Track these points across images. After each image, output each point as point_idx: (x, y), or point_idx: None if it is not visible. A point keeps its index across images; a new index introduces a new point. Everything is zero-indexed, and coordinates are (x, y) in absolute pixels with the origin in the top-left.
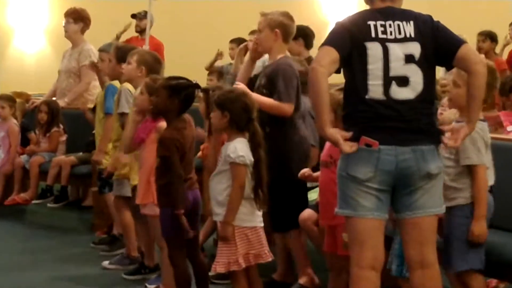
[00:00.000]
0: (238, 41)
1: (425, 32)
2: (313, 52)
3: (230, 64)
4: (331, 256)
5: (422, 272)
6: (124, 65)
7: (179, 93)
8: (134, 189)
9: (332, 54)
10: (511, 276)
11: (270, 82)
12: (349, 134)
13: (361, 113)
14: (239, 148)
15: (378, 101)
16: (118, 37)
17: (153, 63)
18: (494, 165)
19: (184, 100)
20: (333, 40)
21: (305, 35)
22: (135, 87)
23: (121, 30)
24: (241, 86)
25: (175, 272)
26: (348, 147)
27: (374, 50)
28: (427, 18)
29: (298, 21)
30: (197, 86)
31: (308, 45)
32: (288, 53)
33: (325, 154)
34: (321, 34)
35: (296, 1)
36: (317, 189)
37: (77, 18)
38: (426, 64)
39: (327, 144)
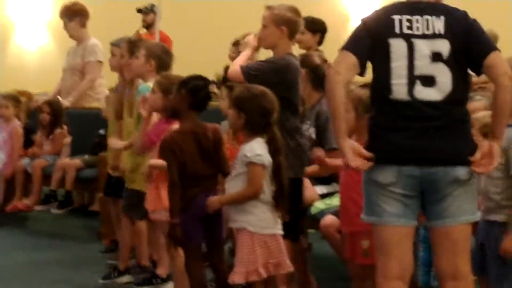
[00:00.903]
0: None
1: (457, 29)
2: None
3: None
4: (353, 264)
5: (455, 284)
6: (131, 60)
7: (196, 94)
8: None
9: (350, 60)
10: None
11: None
12: (368, 154)
13: (386, 114)
14: (255, 147)
15: (402, 102)
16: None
17: (162, 55)
18: None
19: (200, 101)
20: (351, 43)
21: (324, 30)
22: (146, 81)
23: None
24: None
25: (190, 283)
26: (361, 162)
27: (397, 46)
28: (461, 14)
29: (317, 15)
30: (211, 82)
31: (322, 41)
32: (291, 51)
33: None
34: (342, 29)
35: None
36: (338, 194)
37: (71, 15)
38: (456, 64)
39: None
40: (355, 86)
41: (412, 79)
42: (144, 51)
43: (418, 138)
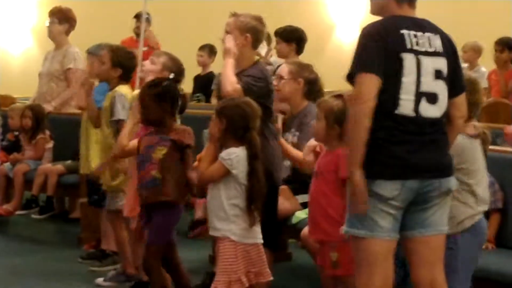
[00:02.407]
0: (207, 48)
1: (449, 49)
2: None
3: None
4: (323, 273)
5: None
6: (146, 63)
7: (165, 95)
8: None
9: (376, 83)
10: None
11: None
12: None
13: (388, 129)
14: (233, 152)
15: (407, 117)
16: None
17: (178, 69)
18: (504, 181)
19: (171, 98)
20: (373, 64)
21: (299, 39)
22: None
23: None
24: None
25: None
26: (363, 209)
27: (409, 61)
28: (449, 37)
29: (304, 23)
30: (177, 80)
31: (300, 50)
32: (257, 58)
33: (317, 164)
34: (327, 38)
35: (300, 3)
36: None
37: (62, 19)
38: (448, 81)
39: (322, 153)
40: (329, 96)
41: (418, 95)
42: (163, 60)
43: (418, 151)
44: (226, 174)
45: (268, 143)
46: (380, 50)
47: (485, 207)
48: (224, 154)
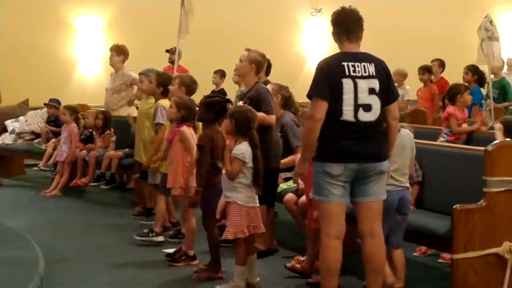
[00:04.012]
0: (220, 72)
1: (382, 73)
2: (283, 80)
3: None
4: (309, 228)
5: (372, 240)
6: (169, 86)
7: (214, 106)
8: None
9: (324, 106)
10: (433, 243)
11: (254, 103)
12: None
13: (337, 129)
14: (242, 148)
15: (349, 122)
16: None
17: (190, 84)
18: (424, 162)
19: (217, 111)
20: (320, 90)
21: (267, 65)
22: None
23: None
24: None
25: (208, 236)
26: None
27: (347, 84)
28: (383, 63)
29: (282, 56)
30: (228, 101)
31: (268, 72)
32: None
33: None
34: (301, 67)
35: (281, 39)
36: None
37: (119, 52)
38: (382, 96)
39: None
40: (308, 108)
41: (357, 106)
42: (178, 80)
43: (358, 144)
44: (243, 164)
45: (271, 138)
46: (326, 78)
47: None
48: (236, 151)
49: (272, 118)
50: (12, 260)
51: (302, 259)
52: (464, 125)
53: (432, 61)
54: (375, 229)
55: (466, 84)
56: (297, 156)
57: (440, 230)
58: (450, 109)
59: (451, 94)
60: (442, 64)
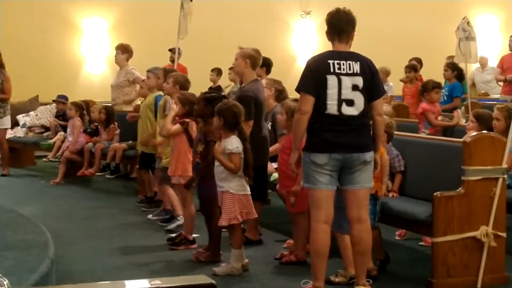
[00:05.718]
0: (216, 70)
1: (367, 71)
2: (276, 76)
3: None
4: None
5: (359, 226)
6: (164, 84)
7: (212, 102)
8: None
9: (310, 100)
10: (415, 228)
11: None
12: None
13: (322, 122)
14: (234, 142)
15: (333, 115)
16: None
17: (183, 82)
18: (406, 153)
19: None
20: (307, 86)
21: (267, 64)
22: (173, 99)
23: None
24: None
25: (213, 219)
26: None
27: (332, 80)
28: (370, 62)
29: (274, 55)
30: (224, 97)
31: (268, 71)
32: (256, 77)
33: (281, 144)
34: (291, 65)
35: (273, 40)
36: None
37: (124, 51)
38: (366, 92)
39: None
40: (289, 99)
41: (340, 101)
42: (172, 79)
43: (342, 136)
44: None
45: (256, 135)
46: (312, 75)
47: None
48: (230, 147)
49: (248, 125)
50: (24, 244)
51: (291, 241)
52: (440, 118)
53: (410, 60)
54: (362, 215)
55: (438, 82)
56: (279, 146)
57: (422, 216)
58: (423, 105)
59: (421, 91)
60: (419, 62)
